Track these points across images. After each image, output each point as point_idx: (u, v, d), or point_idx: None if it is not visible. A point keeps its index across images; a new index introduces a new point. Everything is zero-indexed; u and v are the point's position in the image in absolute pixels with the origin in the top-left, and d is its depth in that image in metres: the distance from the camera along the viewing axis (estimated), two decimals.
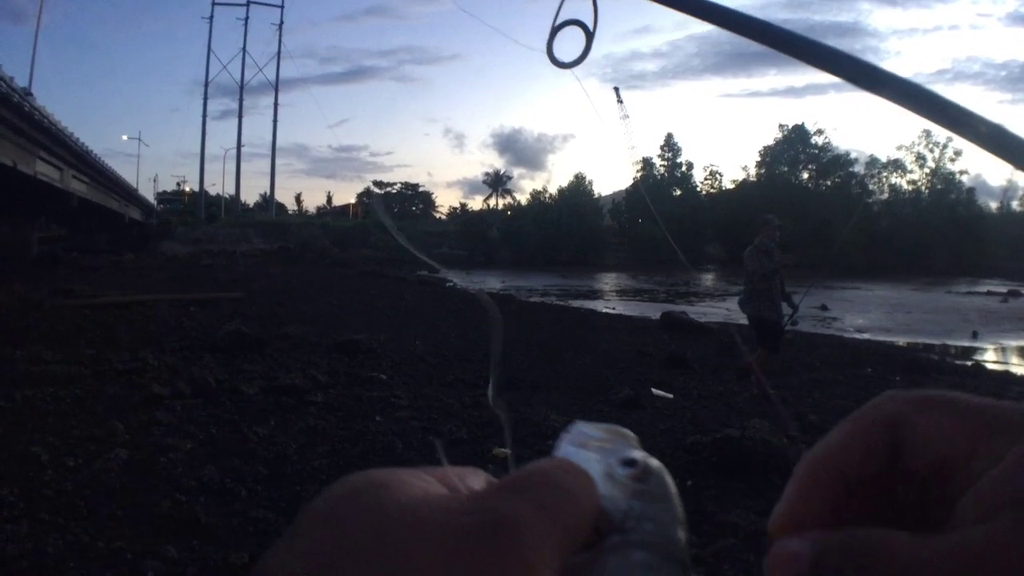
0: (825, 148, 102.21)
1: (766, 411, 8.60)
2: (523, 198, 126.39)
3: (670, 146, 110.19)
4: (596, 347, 14.26)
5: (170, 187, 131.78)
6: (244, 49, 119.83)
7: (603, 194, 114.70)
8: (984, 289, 46.49)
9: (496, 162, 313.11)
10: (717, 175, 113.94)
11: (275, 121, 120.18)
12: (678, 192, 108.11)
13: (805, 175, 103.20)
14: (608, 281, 52.56)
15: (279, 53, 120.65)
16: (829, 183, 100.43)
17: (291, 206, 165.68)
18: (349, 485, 0.35)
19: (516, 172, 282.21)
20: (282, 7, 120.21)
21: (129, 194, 65.96)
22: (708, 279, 59.95)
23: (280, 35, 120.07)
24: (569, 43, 1.24)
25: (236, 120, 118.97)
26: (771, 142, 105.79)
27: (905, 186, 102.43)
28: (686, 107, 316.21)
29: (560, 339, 15.19)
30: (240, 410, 7.93)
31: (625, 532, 0.38)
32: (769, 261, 9.58)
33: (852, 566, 0.35)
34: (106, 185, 52.22)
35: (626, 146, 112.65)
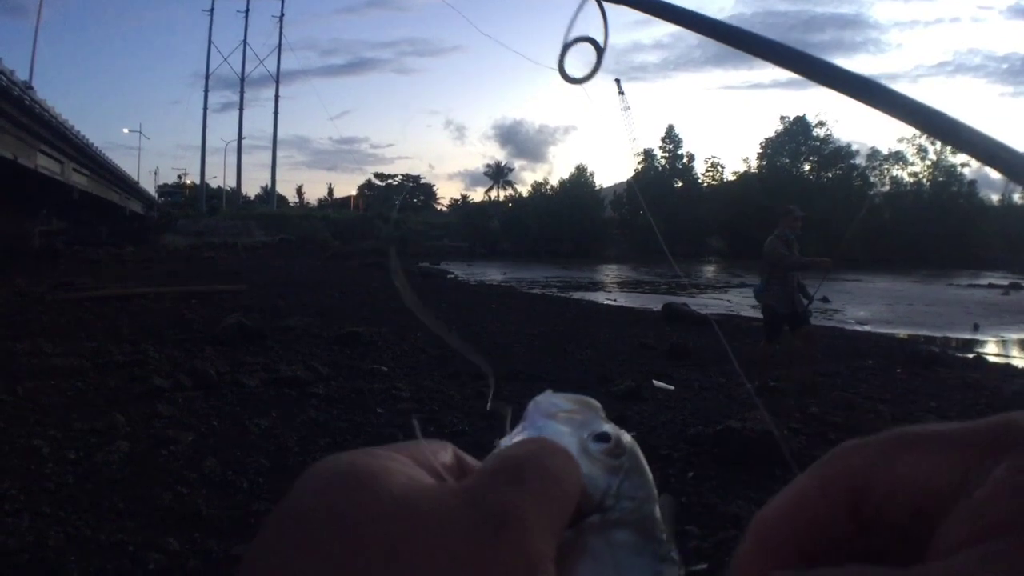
0: (827, 140, 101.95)
1: (768, 403, 8.62)
2: (524, 190, 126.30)
3: (671, 138, 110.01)
4: (597, 339, 14.25)
5: (171, 180, 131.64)
6: (245, 41, 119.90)
7: (604, 186, 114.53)
8: (985, 282, 46.42)
9: (497, 154, 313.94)
10: (718, 167, 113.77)
11: (276, 113, 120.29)
12: (679, 184, 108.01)
13: (807, 167, 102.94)
14: (609, 273, 52.53)
15: (280, 45, 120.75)
16: (830, 175, 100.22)
17: (292, 198, 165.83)
18: (332, 474, 0.33)
19: (517, 164, 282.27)
20: None
21: (130, 187, 65.94)
22: (709, 271, 59.83)
23: (281, 27, 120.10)
24: (576, 55, 1.24)
25: (237, 112, 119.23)
26: (772, 134, 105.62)
27: (906, 178, 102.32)
28: (687, 99, 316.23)
29: (561, 331, 15.19)
30: (241, 402, 7.95)
31: (604, 511, 0.38)
32: (788, 251, 9.43)
33: None
34: (107, 178, 52.18)
35: (627, 138, 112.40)
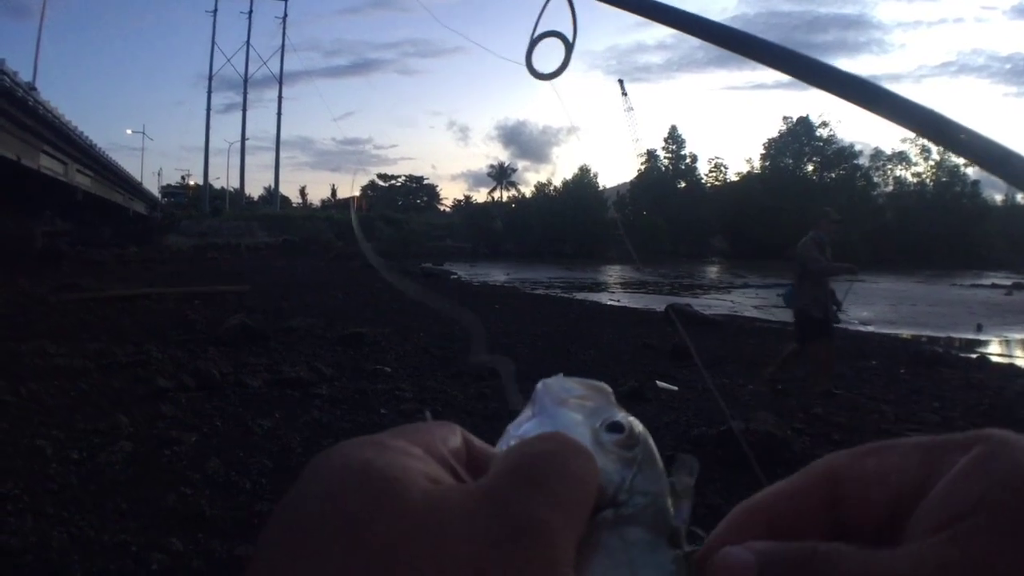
0: (830, 140, 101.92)
1: (773, 404, 8.61)
2: (527, 190, 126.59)
3: (674, 138, 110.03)
4: (600, 340, 14.26)
5: (174, 181, 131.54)
6: (248, 42, 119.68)
7: (607, 186, 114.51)
8: (988, 282, 46.34)
9: (501, 155, 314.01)
10: (722, 168, 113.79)
11: (279, 114, 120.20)
12: (682, 184, 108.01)
13: (810, 167, 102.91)
14: (612, 273, 52.46)
15: (283, 46, 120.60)
16: (834, 176, 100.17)
17: (295, 199, 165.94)
18: (348, 473, 0.32)
19: (521, 164, 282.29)
20: (285, 0, 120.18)
21: (134, 188, 66.02)
22: (713, 271, 59.79)
23: (284, 28, 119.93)
24: (555, 52, 1.23)
25: (240, 113, 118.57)
26: (775, 134, 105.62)
27: (910, 179, 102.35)
28: (690, 99, 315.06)
29: (564, 332, 15.20)
30: (245, 403, 7.95)
31: (618, 506, 0.38)
32: (822, 255, 9.20)
33: None
34: (110, 179, 52.27)
35: (631, 138, 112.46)
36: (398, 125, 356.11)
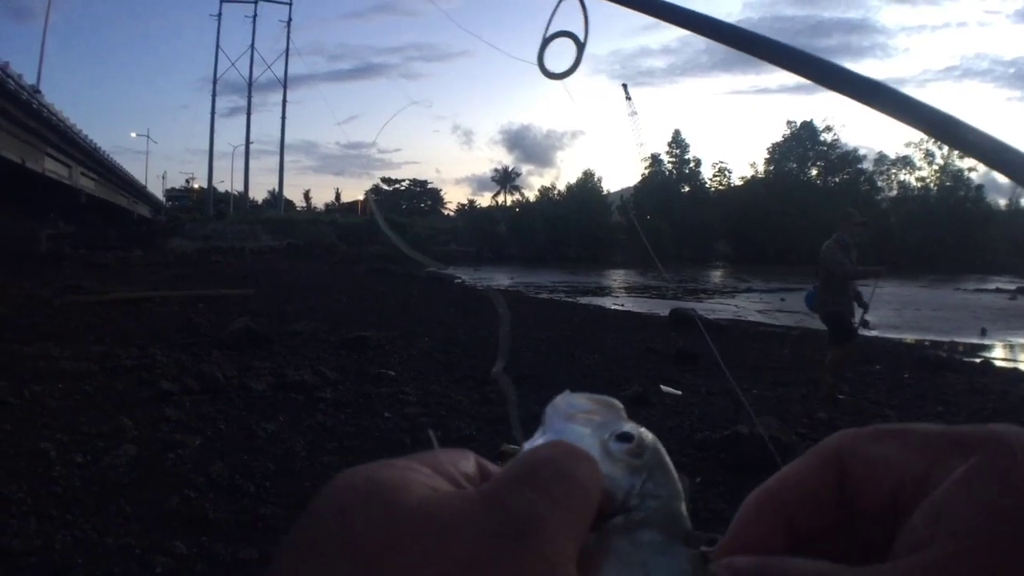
0: (834, 145, 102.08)
1: (777, 409, 8.60)
2: (532, 195, 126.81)
3: (678, 143, 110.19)
4: (604, 344, 14.26)
5: (179, 184, 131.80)
6: (252, 46, 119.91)
7: (611, 191, 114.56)
8: (992, 286, 46.36)
9: (505, 159, 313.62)
10: (726, 172, 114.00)
11: (283, 118, 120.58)
12: (686, 189, 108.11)
13: (814, 172, 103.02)
14: (616, 278, 52.48)
15: (287, 50, 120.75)
16: (838, 180, 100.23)
17: (300, 203, 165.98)
18: (351, 490, 0.32)
19: (525, 169, 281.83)
20: (290, 4, 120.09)
21: (138, 191, 66.21)
22: (717, 276, 59.75)
23: (288, 32, 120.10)
24: (564, 52, 1.24)
25: (245, 117, 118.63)
26: (780, 139, 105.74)
27: (914, 183, 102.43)
28: (694, 104, 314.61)
29: (568, 336, 15.20)
30: (249, 406, 7.95)
31: (628, 511, 0.38)
32: (846, 258, 9.04)
33: None
34: (115, 182, 52.45)
35: (635, 142, 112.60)
36: (402, 129, 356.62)
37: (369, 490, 0.32)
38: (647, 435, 0.41)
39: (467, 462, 0.39)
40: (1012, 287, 43.18)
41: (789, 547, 0.39)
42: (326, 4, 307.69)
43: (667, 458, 0.40)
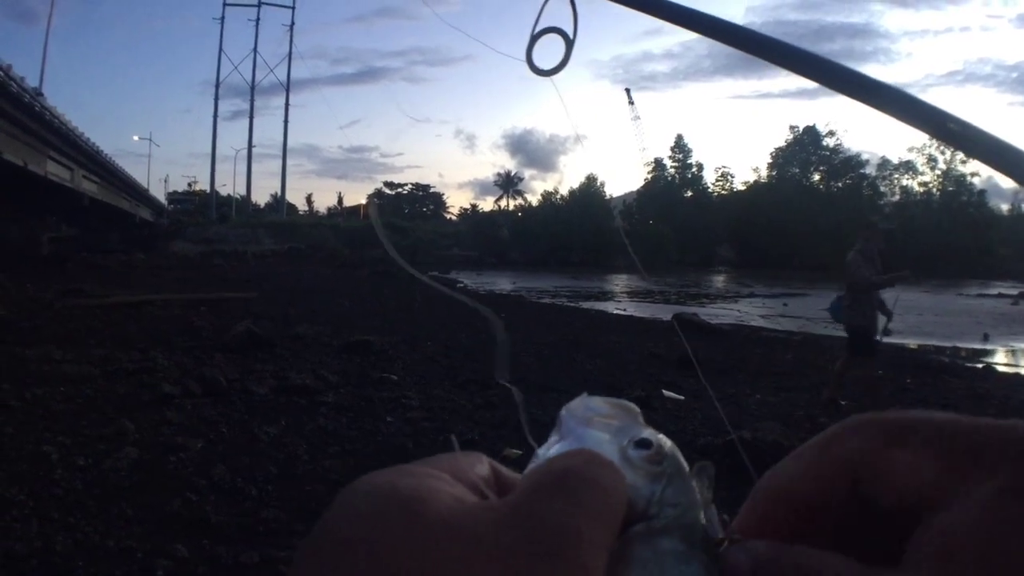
0: (836, 150, 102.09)
1: (779, 414, 8.59)
2: (534, 199, 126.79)
3: (681, 147, 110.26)
4: (607, 348, 14.24)
5: (181, 187, 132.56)
6: (255, 50, 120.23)
7: (614, 195, 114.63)
8: (995, 291, 46.31)
9: (507, 163, 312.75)
10: (728, 177, 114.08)
11: (286, 122, 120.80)
12: (689, 193, 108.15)
13: (816, 177, 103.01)
14: (619, 282, 52.42)
15: (290, 54, 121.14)
16: (840, 185, 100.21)
17: (302, 207, 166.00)
18: (373, 499, 0.31)
19: (527, 173, 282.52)
20: (293, 8, 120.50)
21: (140, 194, 66.30)
22: (719, 281, 59.71)
23: (291, 36, 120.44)
24: (558, 50, 1.23)
25: (247, 121, 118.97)
26: (782, 144, 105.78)
27: (916, 188, 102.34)
28: (697, 108, 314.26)
29: (571, 340, 15.17)
30: (251, 410, 7.95)
31: (649, 519, 0.37)
32: (870, 268, 8.89)
33: None
34: (117, 185, 52.51)
35: (637, 147, 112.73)
36: (405, 133, 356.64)
37: (391, 497, 0.31)
38: (666, 441, 0.41)
39: (482, 466, 0.38)
40: (1014, 292, 43.13)
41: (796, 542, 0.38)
42: (329, 8, 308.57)
43: (685, 464, 0.40)
